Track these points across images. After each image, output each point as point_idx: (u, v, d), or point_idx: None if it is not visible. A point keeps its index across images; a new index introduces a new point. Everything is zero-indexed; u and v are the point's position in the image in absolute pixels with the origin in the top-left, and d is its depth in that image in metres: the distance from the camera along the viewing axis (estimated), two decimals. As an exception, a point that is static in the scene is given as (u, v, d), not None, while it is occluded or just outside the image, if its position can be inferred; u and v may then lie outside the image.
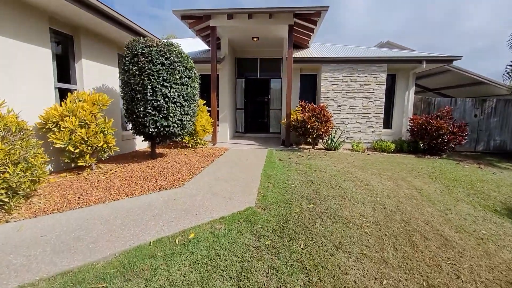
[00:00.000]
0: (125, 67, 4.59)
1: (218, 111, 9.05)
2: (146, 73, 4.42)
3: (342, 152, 7.36)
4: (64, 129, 3.92)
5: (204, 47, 10.68)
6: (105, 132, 4.38)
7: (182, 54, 4.99)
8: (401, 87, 8.55)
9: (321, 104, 7.39)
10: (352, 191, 3.94)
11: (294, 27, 7.54)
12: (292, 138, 8.22)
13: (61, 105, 4.11)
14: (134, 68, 4.46)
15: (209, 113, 7.53)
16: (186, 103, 4.99)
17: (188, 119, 5.17)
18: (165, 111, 4.63)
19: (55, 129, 3.93)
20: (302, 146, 7.99)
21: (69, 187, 3.67)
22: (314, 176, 4.60)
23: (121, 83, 4.80)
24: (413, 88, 8.53)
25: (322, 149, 7.69)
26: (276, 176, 4.53)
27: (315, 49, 9.68)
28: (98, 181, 3.95)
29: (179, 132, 5.04)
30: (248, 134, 10.65)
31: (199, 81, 5.62)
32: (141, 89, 4.46)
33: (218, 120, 9.12)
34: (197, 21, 7.62)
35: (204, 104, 7.35)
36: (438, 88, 12.43)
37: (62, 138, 3.88)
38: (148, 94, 4.45)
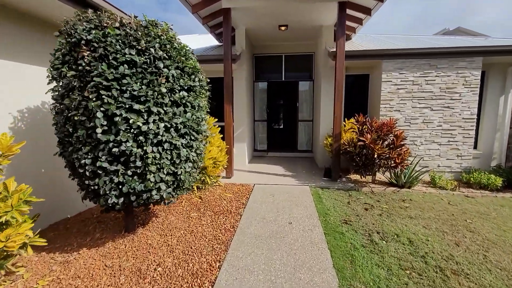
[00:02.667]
0: (55, 72, 2.27)
1: (233, 126, 6.70)
2: (93, 83, 2.10)
3: (422, 190, 4.88)
4: None
5: (216, 43, 8.36)
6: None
7: (175, 44, 2.66)
8: (494, 89, 5.96)
9: (389, 119, 4.93)
10: None
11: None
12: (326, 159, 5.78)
13: None
14: (70, 74, 2.13)
15: (221, 133, 5.21)
16: (184, 140, 2.64)
17: (190, 167, 2.82)
18: (138, 164, 2.30)
19: None
20: (352, 176, 5.56)
21: None
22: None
23: (53, 105, 2.48)
24: None
25: (387, 183, 5.23)
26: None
27: (358, 42, 7.19)
28: None
29: (171, 194, 2.68)
30: (271, 153, 8.26)
31: (208, 93, 3.28)
32: (84, 118, 2.13)
33: (233, 139, 6.77)
34: (204, 2, 5.29)
35: (215, 123, 5.01)
36: None
37: None
38: (99, 130, 2.11)
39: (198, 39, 9.60)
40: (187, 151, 2.69)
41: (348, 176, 5.77)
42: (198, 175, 4.27)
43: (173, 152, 2.48)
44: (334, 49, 5.28)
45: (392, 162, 4.56)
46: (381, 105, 5.70)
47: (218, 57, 5.81)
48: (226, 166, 5.43)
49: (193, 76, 2.81)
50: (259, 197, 4.40)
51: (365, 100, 6.68)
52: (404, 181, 4.98)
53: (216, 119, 5.15)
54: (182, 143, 2.61)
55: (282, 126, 11.64)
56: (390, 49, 5.51)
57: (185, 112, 2.65)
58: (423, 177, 5.37)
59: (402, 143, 4.75)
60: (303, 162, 7.32)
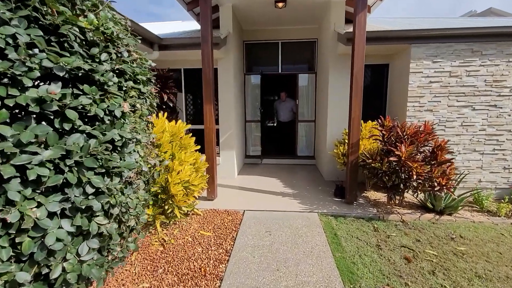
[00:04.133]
0: None
1: (217, 130, 5.36)
2: None
3: (467, 218, 3.64)
4: None
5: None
6: None
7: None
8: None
9: (424, 124, 3.64)
10: None
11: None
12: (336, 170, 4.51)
13: None
14: None
15: (199, 141, 3.84)
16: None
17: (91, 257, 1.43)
18: None
19: None
20: (369, 195, 4.29)
21: None
22: None
23: None
24: None
25: (417, 206, 3.98)
26: None
27: (374, 25, 5.87)
28: None
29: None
30: (266, 159, 6.93)
31: (150, 87, 1.91)
32: None
33: (217, 146, 5.42)
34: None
35: (191, 129, 3.64)
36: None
37: None
38: None
39: (182, 26, 8.12)
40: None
41: (364, 193, 4.50)
42: (163, 205, 2.92)
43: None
44: (349, 30, 3.95)
45: (435, 183, 3.28)
46: (409, 104, 4.41)
47: (193, 42, 4.39)
48: (208, 187, 4.08)
49: (96, 50, 1.42)
50: (250, 237, 3.07)
51: (381, 97, 5.39)
52: (444, 205, 3.73)
53: (191, 125, 3.79)
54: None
55: (279, 128, 10.27)
56: (422, 30, 4.20)
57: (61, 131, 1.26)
58: (468, 198, 4.12)
59: (444, 157, 3.48)
60: (304, 172, 6.02)
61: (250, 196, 4.45)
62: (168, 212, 3.07)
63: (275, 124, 9.93)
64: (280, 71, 6.80)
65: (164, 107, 4.28)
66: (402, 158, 3.25)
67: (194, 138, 3.55)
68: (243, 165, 6.76)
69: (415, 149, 3.32)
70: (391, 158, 3.29)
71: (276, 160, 6.83)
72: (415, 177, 3.18)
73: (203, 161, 3.64)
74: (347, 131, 4.63)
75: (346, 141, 4.48)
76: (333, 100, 5.12)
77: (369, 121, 4.68)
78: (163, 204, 3.07)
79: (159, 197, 2.97)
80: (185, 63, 5.48)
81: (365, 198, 4.34)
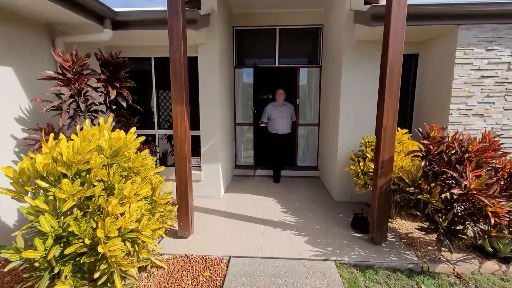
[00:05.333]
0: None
1: (198, 137, 4.18)
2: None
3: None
4: None
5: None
6: None
7: None
8: None
9: (486, 135, 2.54)
10: None
11: None
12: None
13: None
14: None
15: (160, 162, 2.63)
16: None
17: None
18: None
19: None
20: (397, 227, 3.18)
21: None
22: None
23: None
24: None
25: (469, 246, 2.89)
26: None
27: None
28: None
29: None
30: (260, 170, 5.75)
31: None
32: None
33: (198, 157, 4.25)
34: None
35: (144, 144, 2.44)
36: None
37: None
38: None
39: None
40: None
41: (390, 223, 3.38)
42: (93, 272, 1.72)
43: None
44: (379, 3, 2.80)
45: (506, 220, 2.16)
46: (452, 106, 3.30)
47: (161, 16, 3.14)
48: (179, 212, 2.88)
49: None
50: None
51: (406, 97, 4.27)
52: (510, 250, 2.64)
53: (143, 137, 2.58)
54: None
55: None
56: (477, 3, 3.07)
57: None
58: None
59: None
60: (307, 188, 4.87)
61: (239, 228, 3.26)
62: (100, 283, 1.85)
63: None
64: (277, 64, 5.62)
65: (114, 107, 3.03)
66: (470, 189, 2.12)
67: (153, 158, 2.33)
68: (232, 177, 5.56)
69: (487, 175, 2.18)
70: (455, 191, 2.14)
71: (272, 172, 5.65)
72: (492, 220, 2.05)
73: (166, 191, 2.43)
74: (367, 140, 3.51)
75: (367, 154, 3.36)
76: (347, 100, 3.98)
77: (398, 128, 3.56)
78: (92, 270, 1.85)
79: (81, 261, 1.75)
80: (155, 50, 4.23)
81: (393, 231, 3.22)
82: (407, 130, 3.27)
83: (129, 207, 1.92)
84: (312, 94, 5.68)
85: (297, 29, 5.48)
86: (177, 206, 2.90)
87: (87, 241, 1.72)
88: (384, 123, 2.68)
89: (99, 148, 1.98)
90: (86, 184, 1.86)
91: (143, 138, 2.29)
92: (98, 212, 1.85)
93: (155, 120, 4.53)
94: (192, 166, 4.35)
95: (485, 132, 2.60)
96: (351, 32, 3.85)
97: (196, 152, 4.32)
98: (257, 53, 5.67)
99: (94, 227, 1.76)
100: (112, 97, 2.75)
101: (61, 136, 2.01)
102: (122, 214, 1.89)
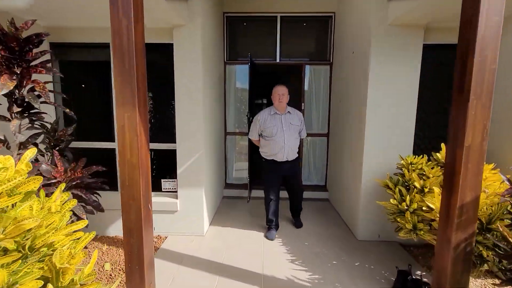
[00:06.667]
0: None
1: (174, 152, 3.05)
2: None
3: None
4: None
5: None
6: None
7: None
8: None
9: None
10: None
11: None
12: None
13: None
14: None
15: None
16: None
17: None
18: None
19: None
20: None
21: None
22: None
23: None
24: None
25: None
26: None
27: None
28: None
29: None
30: (256, 191, 4.64)
31: None
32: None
33: (174, 180, 3.12)
34: None
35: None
36: None
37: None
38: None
39: None
40: None
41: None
42: None
43: None
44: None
45: None
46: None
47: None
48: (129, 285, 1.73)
49: None
50: None
51: (446, 99, 3.25)
52: None
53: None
54: None
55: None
56: None
57: None
58: None
59: None
60: (317, 218, 3.76)
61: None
62: None
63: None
64: (278, 60, 4.56)
65: (26, 113, 1.84)
66: None
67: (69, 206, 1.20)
68: (221, 200, 4.43)
69: None
70: None
71: (271, 192, 4.52)
72: None
73: (91, 264, 1.29)
74: (409, 161, 2.47)
75: (415, 183, 2.31)
76: (377, 106, 2.93)
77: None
78: None
79: None
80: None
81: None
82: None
83: None
84: (320, 97, 4.63)
85: (303, 18, 4.46)
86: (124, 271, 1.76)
87: None
88: (466, 141, 1.62)
89: None
90: None
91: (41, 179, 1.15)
92: None
93: (115, 128, 3.37)
94: (165, 191, 3.22)
95: None
96: (383, 13, 2.82)
97: (170, 171, 3.19)
98: (253, 46, 4.61)
99: None
100: (9, 90, 1.59)
101: None
102: None
